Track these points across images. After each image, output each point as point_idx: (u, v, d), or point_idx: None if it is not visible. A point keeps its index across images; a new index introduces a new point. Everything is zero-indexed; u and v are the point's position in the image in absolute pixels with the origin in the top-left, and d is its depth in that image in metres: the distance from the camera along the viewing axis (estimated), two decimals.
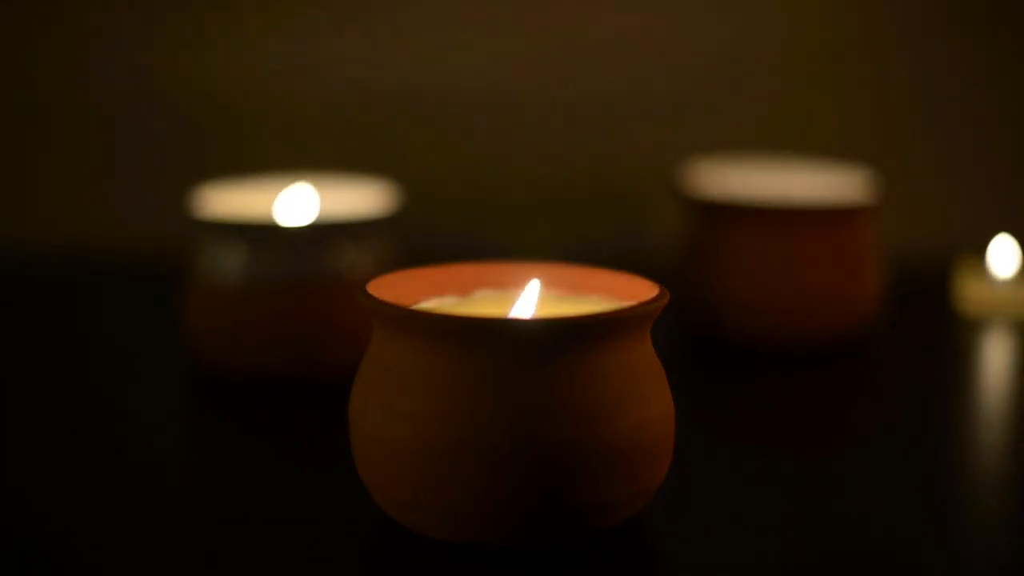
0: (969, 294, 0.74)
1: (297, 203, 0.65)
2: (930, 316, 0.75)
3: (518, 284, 0.48)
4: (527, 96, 0.90)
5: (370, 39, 0.89)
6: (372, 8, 0.89)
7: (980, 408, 0.61)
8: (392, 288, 0.45)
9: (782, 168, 0.74)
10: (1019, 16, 0.91)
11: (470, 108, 0.90)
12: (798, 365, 0.64)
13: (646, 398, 0.42)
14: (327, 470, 0.49)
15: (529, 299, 0.46)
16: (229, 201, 0.64)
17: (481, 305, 0.48)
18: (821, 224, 0.65)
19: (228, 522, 0.45)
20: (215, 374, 0.60)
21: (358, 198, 0.66)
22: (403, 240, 0.66)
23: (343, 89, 0.89)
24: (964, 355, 0.69)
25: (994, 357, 0.69)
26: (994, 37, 0.90)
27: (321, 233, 0.59)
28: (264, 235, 0.59)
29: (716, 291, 0.66)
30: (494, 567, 0.41)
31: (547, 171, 0.90)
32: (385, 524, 0.44)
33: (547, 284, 0.48)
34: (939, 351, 0.69)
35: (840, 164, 0.76)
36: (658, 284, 0.44)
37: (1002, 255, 0.74)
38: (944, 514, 0.47)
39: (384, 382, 0.42)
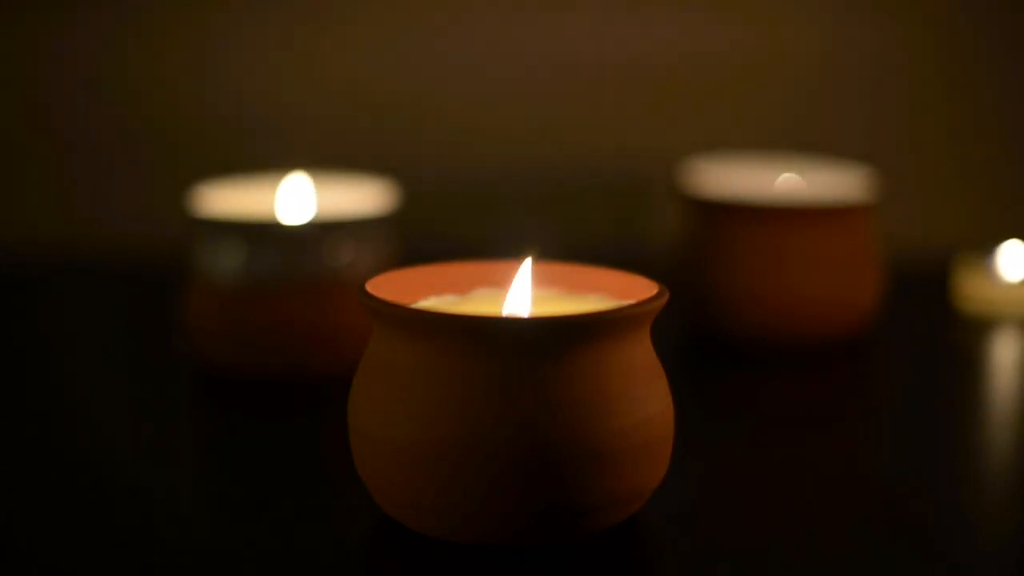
0: (969, 293, 0.74)
1: (296, 202, 0.65)
2: (930, 316, 0.75)
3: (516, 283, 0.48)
4: (526, 94, 0.90)
5: (369, 38, 0.89)
6: (371, 7, 0.88)
7: (981, 407, 0.60)
8: (391, 287, 0.45)
9: (782, 167, 0.74)
10: (1020, 15, 0.90)
11: (469, 106, 0.90)
12: (798, 365, 0.64)
13: (645, 397, 0.41)
14: (327, 470, 0.49)
15: (523, 290, 0.46)
16: (228, 200, 0.64)
17: (480, 304, 0.48)
18: (821, 223, 0.65)
19: (228, 522, 0.45)
20: (215, 373, 0.60)
21: (357, 197, 0.66)
22: (402, 238, 0.66)
23: (342, 88, 0.89)
24: (964, 355, 0.69)
25: (995, 356, 0.69)
26: (994, 36, 0.90)
27: (320, 232, 0.59)
28: (263, 234, 0.59)
29: (716, 290, 0.66)
30: (494, 567, 0.41)
31: (546, 169, 0.90)
32: (385, 524, 0.44)
33: (546, 282, 0.48)
34: (939, 351, 0.69)
35: (840, 163, 0.76)
36: (657, 283, 0.44)
37: (1010, 259, 0.74)
38: (945, 514, 0.47)
39: (384, 381, 0.41)
